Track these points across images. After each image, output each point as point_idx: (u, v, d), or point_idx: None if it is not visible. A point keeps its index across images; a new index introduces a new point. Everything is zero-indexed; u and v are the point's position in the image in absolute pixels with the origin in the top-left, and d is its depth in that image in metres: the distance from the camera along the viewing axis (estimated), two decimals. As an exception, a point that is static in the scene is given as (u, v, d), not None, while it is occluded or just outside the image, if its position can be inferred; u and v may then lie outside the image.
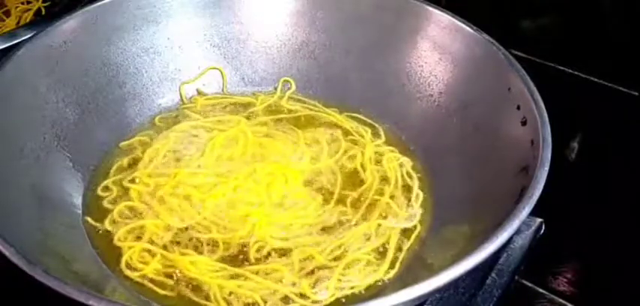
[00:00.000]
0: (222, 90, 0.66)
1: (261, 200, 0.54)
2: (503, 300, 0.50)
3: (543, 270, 0.55)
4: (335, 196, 0.55)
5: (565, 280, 0.55)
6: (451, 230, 0.51)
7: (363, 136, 0.61)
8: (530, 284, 0.54)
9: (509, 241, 0.49)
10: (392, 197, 0.56)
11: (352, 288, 0.48)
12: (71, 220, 0.52)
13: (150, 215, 0.53)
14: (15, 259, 0.40)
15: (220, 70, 0.66)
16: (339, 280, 0.49)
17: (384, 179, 0.57)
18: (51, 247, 0.47)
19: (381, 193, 0.56)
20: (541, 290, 0.54)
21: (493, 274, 0.51)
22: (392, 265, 0.50)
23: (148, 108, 0.63)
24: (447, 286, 0.40)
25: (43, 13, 0.78)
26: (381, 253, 0.51)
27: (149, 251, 0.50)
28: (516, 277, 0.52)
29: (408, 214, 0.54)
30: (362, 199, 0.56)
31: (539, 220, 0.54)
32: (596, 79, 0.73)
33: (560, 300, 0.53)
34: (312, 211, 0.54)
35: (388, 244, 0.52)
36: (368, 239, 0.52)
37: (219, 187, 0.55)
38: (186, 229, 0.52)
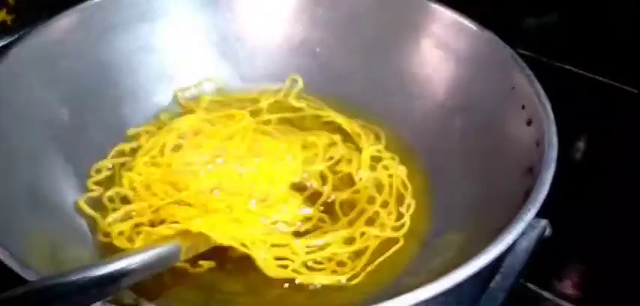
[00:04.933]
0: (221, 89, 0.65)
1: (243, 194, 0.54)
2: (508, 303, 0.49)
3: (548, 272, 0.54)
4: (321, 200, 0.55)
5: (570, 282, 0.54)
6: (454, 232, 0.50)
7: (361, 138, 0.60)
8: (534, 287, 0.53)
9: (514, 243, 0.48)
10: (384, 205, 0.55)
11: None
12: (67, 220, 0.52)
13: (137, 200, 0.54)
14: (9, 262, 0.40)
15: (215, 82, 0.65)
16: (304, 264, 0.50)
17: (378, 186, 0.57)
18: (46, 248, 0.47)
19: (372, 200, 0.55)
20: (546, 293, 0.53)
21: (497, 277, 0.50)
22: (357, 274, 0.50)
23: (144, 107, 0.62)
24: (451, 290, 0.39)
25: (9, 23, 0.74)
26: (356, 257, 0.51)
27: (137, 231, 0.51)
28: (521, 280, 0.51)
29: (395, 224, 0.54)
30: (351, 205, 0.55)
31: (544, 221, 0.53)
32: (601, 78, 0.72)
33: (566, 303, 0.52)
34: (291, 213, 0.54)
35: (365, 251, 0.51)
36: (349, 244, 0.52)
37: (205, 175, 0.55)
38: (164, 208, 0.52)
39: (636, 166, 0.63)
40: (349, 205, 0.55)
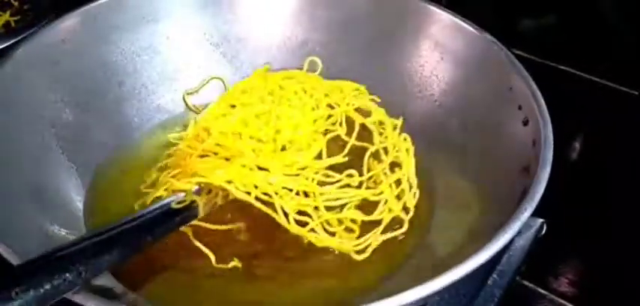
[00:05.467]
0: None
1: (268, 139, 0.53)
2: (505, 301, 0.50)
3: (544, 271, 0.55)
4: (346, 149, 0.54)
5: (566, 280, 0.55)
6: (451, 231, 0.50)
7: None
8: (531, 285, 0.54)
9: (510, 241, 0.49)
10: (399, 181, 0.54)
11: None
12: (71, 220, 0.52)
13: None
14: (12, 259, 0.40)
15: (222, 80, 0.65)
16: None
17: (397, 163, 0.55)
18: (50, 248, 0.45)
19: (397, 164, 0.54)
20: (542, 291, 0.54)
21: (494, 275, 0.51)
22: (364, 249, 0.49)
23: (147, 107, 0.62)
24: (448, 288, 0.39)
25: (13, 25, 0.75)
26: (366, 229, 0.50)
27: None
28: (517, 278, 0.52)
29: (407, 205, 0.53)
30: (373, 166, 0.54)
31: (540, 220, 0.53)
32: (597, 79, 0.73)
33: (562, 300, 0.53)
34: (315, 152, 0.53)
35: (378, 224, 0.51)
36: (365, 211, 0.51)
37: (228, 116, 0.53)
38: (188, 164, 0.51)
39: (632, 166, 0.63)
40: (371, 162, 0.54)
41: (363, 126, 0.57)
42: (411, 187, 0.54)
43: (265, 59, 0.66)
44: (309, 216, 0.50)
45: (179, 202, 0.48)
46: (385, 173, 0.54)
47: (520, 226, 0.42)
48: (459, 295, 0.49)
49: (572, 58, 0.74)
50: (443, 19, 0.61)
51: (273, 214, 0.48)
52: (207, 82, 0.65)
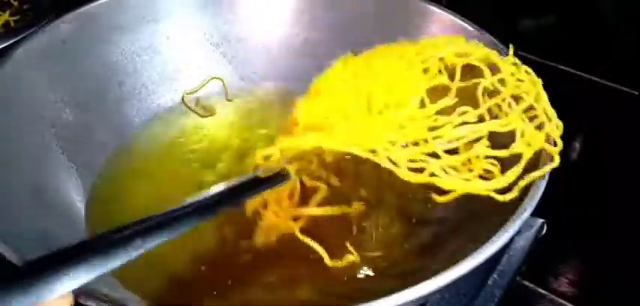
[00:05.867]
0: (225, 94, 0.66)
1: (361, 106, 0.45)
2: (505, 301, 0.50)
3: (545, 271, 0.55)
4: (453, 90, 0.46)
5: (566, 280, 0.55)
6: (452, 229, 0.50)
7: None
8: (531, 285, 0.54)
9: (511, 241, 0.49)
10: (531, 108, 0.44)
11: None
12: (71, 220, 0.52)
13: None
14: (13, 259, 0.39)
15: (222, 80, 0.65)
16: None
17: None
18: (50, 248, 0.46)
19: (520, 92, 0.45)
20: (542, 291, 0.54)
21: (494, 275, 0.51)
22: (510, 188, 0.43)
23: (147, 107, 0.63)
24: (447, 287, 0.39)
25: (12, 25, 0.75)
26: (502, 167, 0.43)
27: None
28: (518, 278, 0.52)
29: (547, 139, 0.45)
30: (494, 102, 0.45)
31: (540, 220, 0.53)
32: (597, 79, 0.73)
33: (562, 301, 0.53)
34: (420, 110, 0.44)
35: (521, 156, 0.43)
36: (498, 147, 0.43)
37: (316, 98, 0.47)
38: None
39: (632, 166, 0.63)
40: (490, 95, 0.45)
41: (466, 66, 0.48)
42: (550, 119, 0.46)
43: (265, 59, 0.66)
44: (425, 162, 0.42)
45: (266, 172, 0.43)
46: (509, 104, 0.45)
47: (520, 226, 0.42)
48: (459, 295, 0.49)
49: (572, 58, 0.74)
50: (443, 19, 0.61)
51: (381, 162, 0.41)
52: (207, 82, 0.65)
